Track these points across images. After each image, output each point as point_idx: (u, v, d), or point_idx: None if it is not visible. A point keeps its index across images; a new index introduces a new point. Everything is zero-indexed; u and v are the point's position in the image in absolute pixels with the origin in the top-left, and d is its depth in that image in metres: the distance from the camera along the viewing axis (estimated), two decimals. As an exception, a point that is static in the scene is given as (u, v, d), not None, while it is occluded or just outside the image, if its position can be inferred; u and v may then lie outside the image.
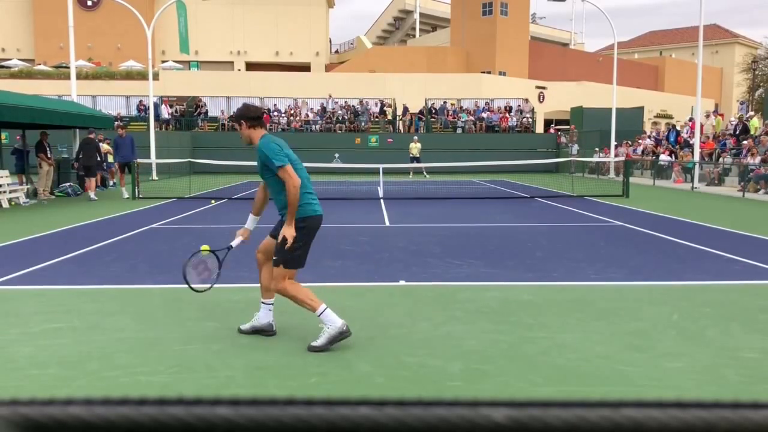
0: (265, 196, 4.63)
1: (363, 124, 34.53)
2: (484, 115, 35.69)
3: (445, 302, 5.39)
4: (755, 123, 23.27)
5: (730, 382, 3.58)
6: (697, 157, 21.11)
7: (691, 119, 27.20)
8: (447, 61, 46.85)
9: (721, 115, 31.59)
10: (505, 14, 47.17)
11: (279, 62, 48.82)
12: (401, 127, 34.89)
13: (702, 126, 25.41)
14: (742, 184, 18.11)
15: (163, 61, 43.45)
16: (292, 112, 35.42)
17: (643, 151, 27.66)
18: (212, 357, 4.01)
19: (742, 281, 6.27)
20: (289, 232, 4.17)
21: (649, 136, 28.97)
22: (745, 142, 20.63)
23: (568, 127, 35.58)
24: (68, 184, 17.32)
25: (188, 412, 0.38)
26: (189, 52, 30.72)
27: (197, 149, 30.51)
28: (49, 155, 15.76)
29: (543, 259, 7.45)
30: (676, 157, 24.32)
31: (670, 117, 45.36)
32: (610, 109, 27.32)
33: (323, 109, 35.15)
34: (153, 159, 22.96)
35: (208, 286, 4.58)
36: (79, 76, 26.97)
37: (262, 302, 4.47)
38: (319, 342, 4.12)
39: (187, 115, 33.87)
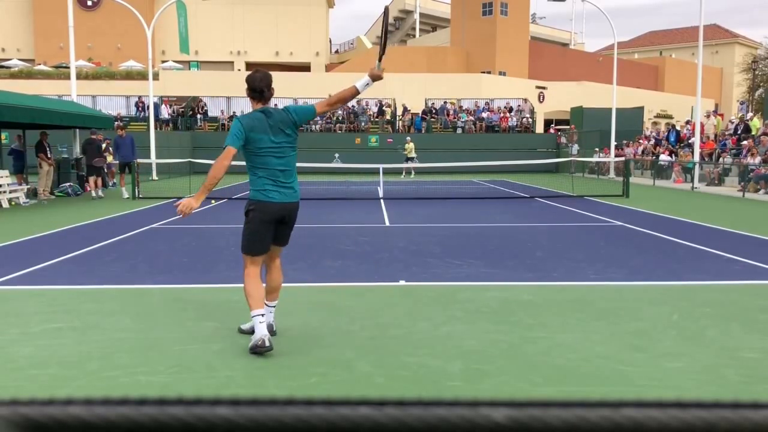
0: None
1: (363, 124, 34.53)
2: (484, 115, 35.69)
3: (445, 302, 5.39)
4: (756, 123, 23.27)
5: (730, 382, 3.58)
6: (697, 157, 21.11)
7: (688, 121, 27.20)
8: (447, 61, 46.85)
9: (721, 115, 31.58)
10: (505, 14, 47.17)
11: (279, 62, 48.81)
12: (401, 127, 34.89)
13: (703, 126, 25.40)
14: (742, 184, 18.11)
15: (163, 61, 43.45)
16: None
17: (643, 151, 27.67)
18: (212, 357, 4.01)
19: (742, 281, 6.27)
20: (188, 202, 4.07)
21: (647, 137, 28.97)
22: (745, 142, 20.63)
23: (568, 127, 35.58)
24: (68, 184, 17.33)
25: (188, 412, 0.38)
26: (189, 52, 30.74)
27: (197, 149, 30.51)
28: (49, 155, 15.78)
29: (543, 259, 7.45)
30: (676, 157, 24.33)
31: (670, 117, 45.34)
32: (610, 109, 27.32)
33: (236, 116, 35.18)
34: (153, 159, 22.96)
35: None
36: (79, 76, 26.97)
37: (265, 303, 4.35)
38: (245, 326, 4.41)
39: (186, 115, 33.85)
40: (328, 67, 49.34)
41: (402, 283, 6.19)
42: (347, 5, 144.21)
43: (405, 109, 35.95)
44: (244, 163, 4.38)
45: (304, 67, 48.43)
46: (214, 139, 32.33)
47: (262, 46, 48.81)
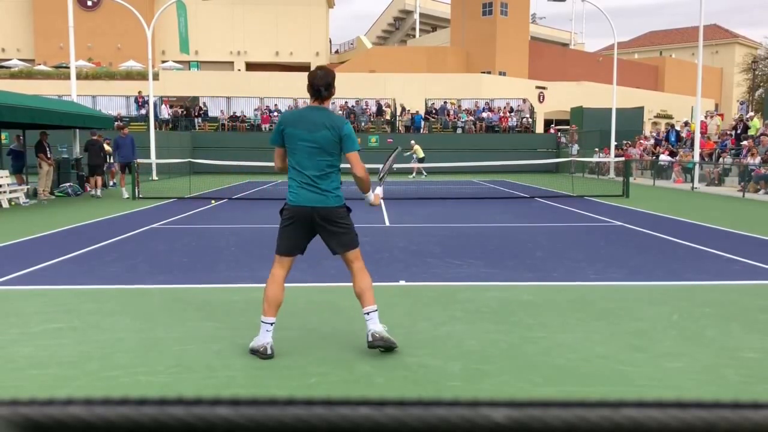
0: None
1: (363, 124, 34.54)
2: (484, 115, 35.70)
3: (445, 302, 5.39)
4: (756, 123, 23.28)
5: (730, 382, 3.58)
6: (697, 157, 21.11)
7: (686, 122, 27.18)
8: (447, 61, 46.86)
9: (721, 115, 31.58)
10: (505, 14, 47.18)
11: (279, 62, 48.82)
12: (401, 127, 34.90)
13: (706, 125, 25.40)
14: (742, 184, 18.11)
15: (163, 61, 43.45)
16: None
17: (643, 151, 27.67)
18: (212, 357, 4.01)
19: (742, 281, 6.27)
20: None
21: (647, 137, 28.99)
22: (745, 142, 20.63)
23: (568, 127, 35.58)
24: (68, 184, 17.33)
25: (188, 412, 0.38)
26: (189, 52, 30.75)
27: (197, 149, 30.52)
28: (48, 155, 15.80)
29: (543, 259, 7.45)
30: (676, 157, 24.33)
31: (670, 117, 45.35)
32: (610, 109, 27.32)
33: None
34: (153, 159, 22.96)
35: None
36: (79, 76, 26.97)
37: (363, 312, 4.09)
38: (251, 344, 4.08)
39: (183, 116, 33.84)
40: (329, 67, 49.28)
41: (402, 283, 6.19)
42: (347, 5, 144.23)
43: (403, 109, 35.96)
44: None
45: (304, 67, 48.38)
46: (214, 139, 32.35)
47: (262, 46, 48.81)
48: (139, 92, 33.37)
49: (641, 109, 36.05)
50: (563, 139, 33.53)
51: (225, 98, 36.16)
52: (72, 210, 13.26)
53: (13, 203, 14.37)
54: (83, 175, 17.85)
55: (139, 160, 16.60)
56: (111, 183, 20.59)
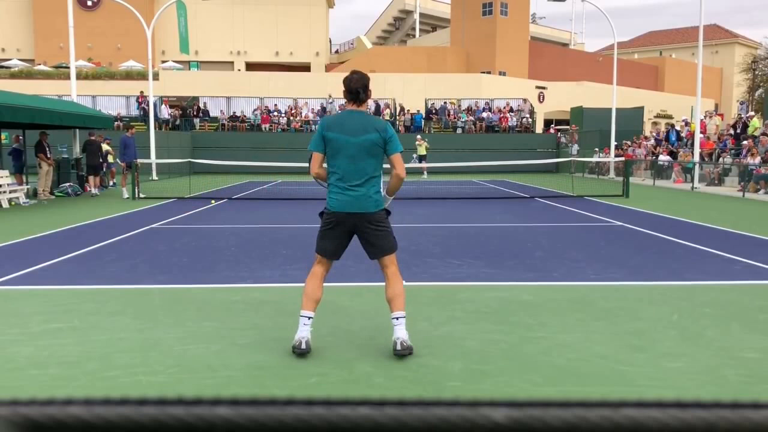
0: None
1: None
2: (484, 115, 35.71)
3: (445, 302, 5.39)
4: (756, 123, 23.27)
5: (730, 382, 3.58)
6: (697, 157, 21.11)
7: (685, 120, 27.15)
8: (447, 61, 46.86)
9: (721, 115, 31.57)
10: (505, 14, 47.18)
11: (279, 62, 48.82)
12: (401, 128, 34.90)
13: (705, 125, 25.37)
14: (742, 184, 18.11)
15: (163, 61, 43.45)
16: (292, 112, 35.43)
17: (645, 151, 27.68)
18: (212, 357, 4.01)
19: (742, 281, 6.27)
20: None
21: (647, 137, 28.98)
22: (745, 142, 20.63)
23: (568, 127, 35.58)
24: (68, 184, 17.34)
25: (188, 412, 0.38)
26: (189, 52, 30.73)
27: (197, 149, 30.52)
28: (48, 155, 15.82)
29: (543, 259, 7.45)
30: (675, 157, 24.32)
31: (670, 117, 45.35)
32: (610, 109, 27.32)
33: (323, 109, 35.15)
34: (153, 159, 22.96)
35: None
36: (79, 76, 26.98)
37: (393, 317, 4.08)
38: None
39: (183, 117, 33.84)
40: (328, 67, 49.34)
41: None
42: (347, 5, 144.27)
43: (402, 109, 35.96)
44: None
45: (304, 67, 48.44)
46: (214, 139, 32.35)
47: (262, 46, 48.81)
48: (141, 92, 33.38)
49: (641, 109, 36.05)
50: (563, 139, 33.53)
51: (225, 98, 36.16)
52: (72, 210, 13.26)
53: (13, 203, 14.37)
54: (83, 175, 17.88)
55: (139, 160, 16.59)
56: (111, 183, 20.61)
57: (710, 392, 3.44)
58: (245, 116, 34.73)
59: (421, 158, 26.56)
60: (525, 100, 37.51)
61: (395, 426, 0.38)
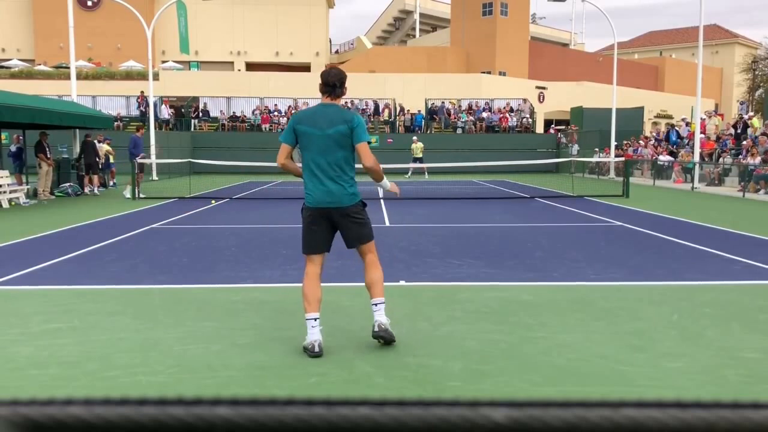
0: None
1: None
2: (484, 115, 35.71)
3: (445, 302, 5.39)
4: (755, 123, 23.27)
5: (730, 382, 3.58)
6: (697, 157, 21.11)
7: (687, 122, 27.11)
8: (447, 61, 46.86)
9: (721, 115, 31.55)
10: (505, 14, 47.17)
11: (279, 62, 48.82)
12: (401, 128, 34.90)
13: (705, 125, 25.34)
14: (742, 184, 18.11)
15: (163, 61, 43.45)
16: (292, 112, 35.44)
17: (636, 151, 27.68)
18: (212, 357, 4.01)
19: (742, 281, 6.27)
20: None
21: (647, 138, 28.95)
22: (744, 142, 20.63)
23: (568, 127, 35.57)
24: (68, 184, 17.36)
25: (188, 412, 0.38)
26: (189, 52, 30.74)
27: (197, 149, 30.52)
28: (48, 155, 15.84)
29: (543, 259, 7.45)
30: (676, 157, 24.31)
31: (670, 117, 45.35)
32: (610, 109, 27.32)
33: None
34: (153, 159, 22.96)
35: None
36: (79, 77, 26.96)
37: (372, 302, 4.25)
38: (304, 343, 4.10)
39: (183, 117, 33.85)
40: (328, 67, 49.27)
41: (402, 283, 6.19)
42: (347, 5, 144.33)
43: (402, 109, 35.97)
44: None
45: (304, 67, 48.42)
46: (214, 139, 32.34)
47: (262, 46, 48.81)
48: (141, 92, 33.37)
49: (641, 109, 36.05)
50: (563, 139, 33.53)
51: (225, 98, 36.16)
52: (72, 210, 13.26)
53: (13, 203, 14.37)
54: (83, 175, 17.93)
55: (139, 160, 16.60)
56: (111, 183, 20.62)
57: (710, 392, 3.44)
58: (245, 116, 34.73)
59: (416, 160, 26.33)
60: (525, 100, 37.51)
61: (395, 426, 0.38)
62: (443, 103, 36.70)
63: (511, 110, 36.36)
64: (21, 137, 17.21)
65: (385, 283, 6.11)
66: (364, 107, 35.81)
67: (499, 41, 46.77)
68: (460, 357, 3.99)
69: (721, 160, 21.76)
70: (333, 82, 4.15)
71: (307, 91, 38.02)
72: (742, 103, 41.59)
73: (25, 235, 9.42)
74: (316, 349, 3.97)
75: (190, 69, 44.38)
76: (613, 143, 27.06)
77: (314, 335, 4.01)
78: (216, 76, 40.80)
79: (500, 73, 45.81)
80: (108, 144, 20.55)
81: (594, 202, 15.07)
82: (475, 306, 5.26)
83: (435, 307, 5.22)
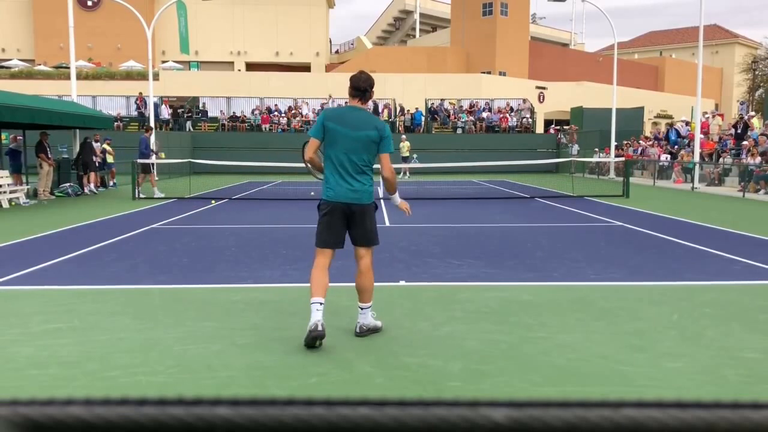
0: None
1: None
2: (484, 115, 35.71)
3: (445, 302, 5.39)
4: (755, 123, 23.27)
5: (730, 382, 3.58)
6: (697, 157, 21.11)
7: (687, 122, 27.10)
8: (447, 61, 46.85)
9: (721, 115, 31.54)
10: (505, 14, 47.17)
11: (279, 62, 48.81)
12: (401, 128, 34.90)
13: (708, 125, 25.32)
14: (742, 184, 18.11)
15: (163, 61, 43.45)
16: (292, 112, 35.43)
17: (642, 151, 27.64)
18: (212, 357, 4.01)
19: (742, 281, 6.27)
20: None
21: (647, 138, 28.93)
22: (745, 142, 20.63)
23: (568, 127, 35.57)
24: (68, 184, 17.36)
25: (188, 412, 0.38)
26: (189, 52, 30.72)
27: (197, 149, 30.51)
28: (49, 155, 15.85)
29: (543, 259, 7.45)
30: (675, 158, 24.29)
31: (670, 117, 45.37)
32: (610, 109, 27.31)
33: (323, 109, 35.13)
34: (153, 159, 22.94)
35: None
36: (79, 77, 26.95)
37: (358, 305, 4.45)
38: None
39: (183, 117, 33.85)
40: (328, 67, 49.34)
41: (402, 283, 6.19)
42: (347, 5, 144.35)
43: (402, 109, 35.98)
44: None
45: (304, 67, 48.43)
46: (214, 139, 32.34)
47: (262, 46, 48.81)
48: (140, 93, 33.38)
49: (641, 109, 36.05)
50: (563, 139, 33.53)
51: (225, 98, 36.16)
52: (72, 210, 13.26)
53: (13, 203, 14.37)
54: (83, 175, 17.95)
55: (139, 160, 16.60)
56: (111, 183, 20.62)
57: (710, 392, 3.44)
58: (245, 116, 34.73)
59: (404, 159, 26.30)
60: (525, 100, 37.50)
61: (395, 426, 0.38)
62: (443, 102, 36.70)
63: (511, 110, 36.36)
64: (18, 137, 17.19)
65: (385, 283, 6.15)
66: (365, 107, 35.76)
67: (499, 41, 46.77)
68: (460, 357, 3.99)
69: (721, 160, 21.76)
70: (364, 87, 4.33)
71: (307, 91, 38.03)
72: (742, 103, 41.58)
73: (25, 235, 9.42)
74: (319, 327, 4.06)
75: (190, 69, 44.38)
76: (613, 143, 27.05)
77: (318, 316, 4.13)
78: (216, 76, 40.80)
79: (500, 73, 45.81)
80: (108, 144, 20.54)
81: (594, 202, 15.07)
82: (475, 306, 5.26)
83: (435, 307, 5.22)
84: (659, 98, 49.00)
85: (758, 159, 18.60)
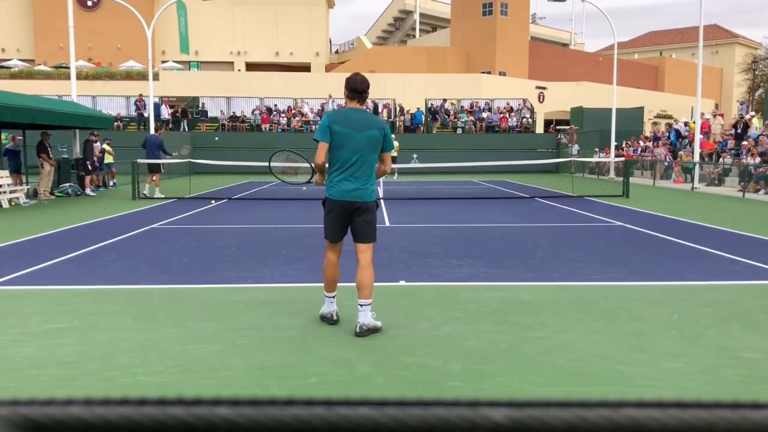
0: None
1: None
2: (484, 115, 35.71)
3: (445, 302, 5.39)
4: (755, 123, 23.26)
5: (730, 382, 3.58)
6: (697, 157, 21.10)
7: (686, 123, 27.07)
8: (447, 61, 46.85)
9: (721, 115, 31.52)
10: (505, 14, 47.17)
11: (279, 62, 48.81)
12: (400, 128, 34.89)
13: (710, 125, 25.29)
14: (742, 184, 18.11)
15: (163, 61, 43.44)
16: (292, 112, 35.43)
17: (643, 150, 27.64)
18: (212, 357, 4.01)
19: (742, 281, 6.27)
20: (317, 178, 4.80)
21: (647, 138, 28.92)
22: (745, 142, 20.63)
23: (568, 127, 35.57)
24: (68, 184, 17.37)
25: (188, 412, 0.38)
26: (189, 52, 30.74)
27: (197, 149, 30.51)
28: (50, 155, 15.87)
29: (543, 259, 7.45)
30: (675, 157, 24.28)
31: (670, 117, 45.38)
32: (610, 109, 27.31)
33: (323, 109, 35.14)
34: (153, 159, 22.93)
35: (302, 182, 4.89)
36: (79, 77, 26.96)
37: (358, 302, 4.52)
38: (320, 311, 4.81)
39: (182, 117, 33.87)
40: (328, 67, 49.33)
41: (402, 283, 6.19)
42: (347, 5, 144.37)
43: (401, 110, 35.98)
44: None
45: (304, 67, 48.43)
46: (214, 139, 32.34)
47: (262, 46, 48.81)
48: (140, 95, 33.38)
49: (641, 109, 36.05)
50: (563, 139, 33.53)
51: (225, 98, 36.16)
52: (72, 210, 13.26)
53: (13, 203, 14.37)
54: (83, 175, 17.94)
55: (139, 161, 16.60)
56: (111, 183, 20.63)
57: (710, 392, 3.44)
58: (245, 116, 34.73)
59: (392, 159, 26.02)
60: (525, 100, 37.50)
61: (395, 426, 0.38)
62: (444, 102, 36.71)
63: (511, 110, 36.36)
64: (17, 137, 17.19)
65: (386, 284, 6.15)
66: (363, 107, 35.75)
67: (499, 41, 46.76)
68: (460, 357, 3.99)
69: (721, 160, 21.76)
70: (362, 89, 4.48)
71: (307, 91, 38.02)
72: (742, 103, 41.59)
73: (25, 235, 9.42)
74: (334, 317, 4.56)
75: (190, 69, 44.38)
76: (613, 143, 27.06)
77: (332, 307, 4.60)
78: (216, 76, 40.79)
79: (500, 73, 45.80)
80: (108, 144, 20.54)
81: (594, 202, 15.07)
82: (476, 306, 5.26)
83: (435, 307, 5.22)
84: (659, 98, 49.01)
85: (758, 159, 18.59)
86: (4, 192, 14.17)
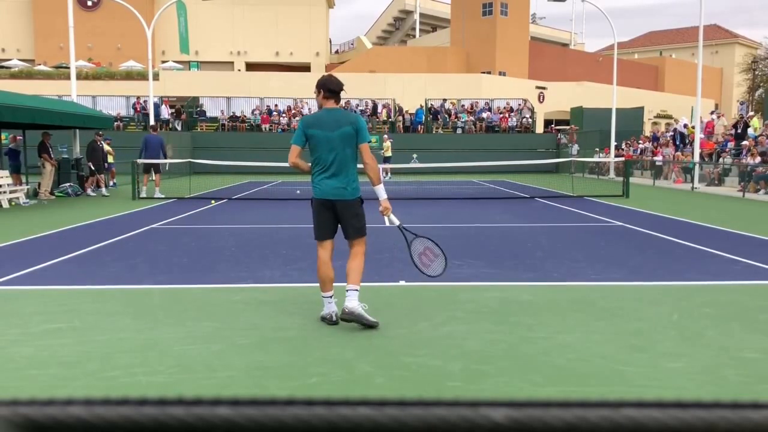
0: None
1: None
2: (484, 115, 35.71)
3: (445, 302, 5.39)
4: (755, 123, 23.25)
5: (730, 382, 3.58)
6: (697, 157, 21.10)
7: (686, 125, 27.04)
8: (447, 62, 46.85)
9: (721, 115, 31.50)
10: (505, 14, 47.17)
11: (279, 62, 48.80)
12: (400, 127, 34.89)
13: (713, 125, 25.26)
14: (742, 184, 18.11)
15: (163, 61, 43.43)
16: (292, 112, 35.43)
17: (642, 151, 27.64)
18: (212, 357, 4.01)
19: (742, 281, 6.26)
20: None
21: (647, 138, 28.91)
22: (745, 142, 20.63)
23: (568, 127, 35.57)
24: (68, 184, 17.36)
25: (188, 412, 0.38)
26: (189, 52, 30.75)
27: (197, 149, 30.51)
28: (51, 155, 15.88)
29: (543, 259, 7.45)
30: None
31: (670, 117, 45.37)
32: (610, 109, 27.31)
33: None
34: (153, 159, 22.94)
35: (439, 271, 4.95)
36: (79, 77, 26.96)
37: (346, 288, 4.62)
38: (321, 314, 4.77)
39: (183, 117, 33.86)
40: (328, 67, 49.30)
41: (402, 283, 6.19)
42: (347, 5, 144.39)
43: (400, 110, 35.98)
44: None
45: (304, 67, 48.41)
46: (214, 139, 32.34)
47: (262, 46, 48.79)
48: (138, 98, 33.39)
49: (641, 109, 36.05)
50: (563, 139, 33.52)
51: (225, 98, 36.15)
52: (72, 210, 13.26)
53: (13, 203, 14.37)
54: (83, 175, 17.94)
55: (139, 161, 16.60)
56: (111, 183, 20.63)
57: (710, 392, 3.44)
58: (245, 116, 34.72)
59: (385, 159, 25.59)
60: (525, 100, 37.50)
61: (395, 426, 0.38)
62: (444, 102, 36.70)
63: (511, 110, 36.36)
64: (17, 137, 17.18)
65: (386, 283, 6.15)
66: (364, 108, 35.77)
67: (499, 41, 46.76)
68: (460, 357, 3.99)
69: (721, 160, 21.75)
70: (339, 89, 4.69)
71: (307, 91, 37.94)
72: (742, 103, 41.55)
73: (25, 235, 9.42)
74: (334, 318, 4.59)
75: (190, 69, 44.38)
76: (613, 143, 27.05)
77: (331, 307, 4.64)
78: (216, 76, 40.79)
79: (500, 73, 45.80)
80: (108, 144, 20.53)
81: (594, 202, 15.07)
82: (475, 306, 5.26)
83: (435, 307, 5.22)
84: (659, 98, 49.00)
85: (758, 159, 18.59)
86: (4, 192, 14.17)
